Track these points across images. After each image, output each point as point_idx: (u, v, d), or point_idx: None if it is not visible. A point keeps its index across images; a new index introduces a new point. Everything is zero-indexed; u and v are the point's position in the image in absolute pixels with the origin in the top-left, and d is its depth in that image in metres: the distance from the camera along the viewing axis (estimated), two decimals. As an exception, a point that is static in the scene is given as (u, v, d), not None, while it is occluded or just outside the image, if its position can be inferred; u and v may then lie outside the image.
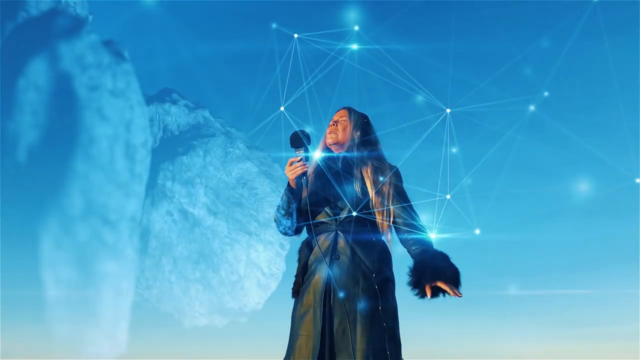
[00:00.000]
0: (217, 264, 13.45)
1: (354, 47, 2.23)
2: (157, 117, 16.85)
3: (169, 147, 15.79)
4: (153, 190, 13.77)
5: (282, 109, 2.06)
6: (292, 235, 2.10)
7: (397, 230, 2.04)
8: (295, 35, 2.14)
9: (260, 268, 14.86)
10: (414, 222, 2.01)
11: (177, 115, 16.87)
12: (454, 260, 1.87)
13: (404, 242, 2.04)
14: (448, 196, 2.04)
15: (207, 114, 16.98)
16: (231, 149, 16.62)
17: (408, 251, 2.03)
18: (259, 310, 14.48)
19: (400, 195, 2.05)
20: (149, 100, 17.11)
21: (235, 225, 14.58)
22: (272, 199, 15.81)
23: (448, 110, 2.10)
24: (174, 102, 17.09)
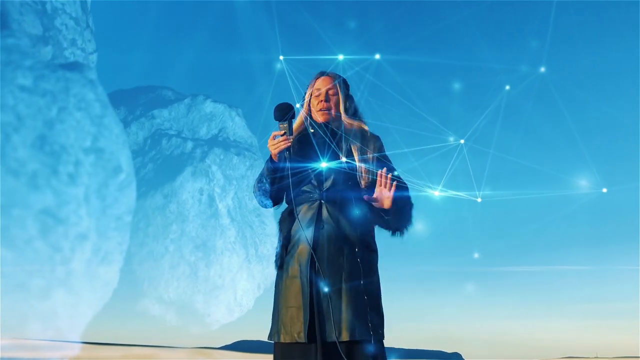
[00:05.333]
0: (211, 260, 13.27)
1: (340, 57, 2.16)
2: (221, 117, 17.65)
3: (222, 144, 16.34)
4: (199, 164, 14.09)
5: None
6: (269, 207, 2.08)
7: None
8: (281, 57, 2.11)
9: (235, 292, 14.62)
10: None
11: (238, 126, 17.64)
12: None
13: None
14: (479, 199, 2.06)
15: (255, 142, 17.81)
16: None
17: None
18: (212, 331, 14.02)
19: (385, 159, 2.04)
20: (218, 100, 18.00)
21: (242, 239, 14.56)
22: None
23: (462, 141, 2.10)
24: (239, 115, 17.96)
